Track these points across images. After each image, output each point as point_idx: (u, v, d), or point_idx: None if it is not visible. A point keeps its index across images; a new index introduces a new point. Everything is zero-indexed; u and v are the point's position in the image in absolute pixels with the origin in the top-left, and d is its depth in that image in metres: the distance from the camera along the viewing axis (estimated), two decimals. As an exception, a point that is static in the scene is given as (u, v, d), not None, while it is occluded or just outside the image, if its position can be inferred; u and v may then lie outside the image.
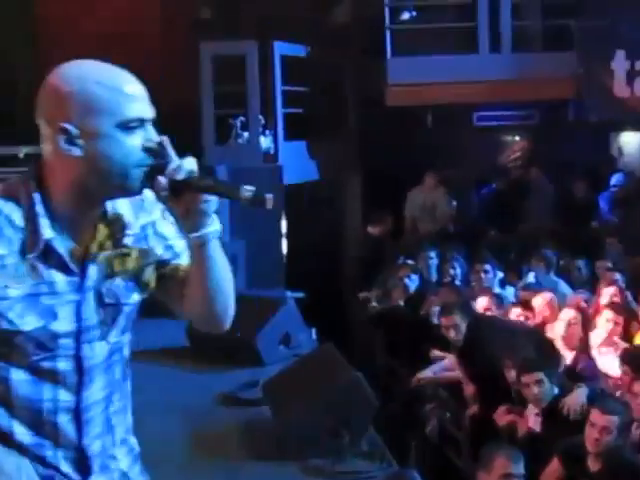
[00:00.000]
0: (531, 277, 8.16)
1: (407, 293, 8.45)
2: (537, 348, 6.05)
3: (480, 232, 10.64)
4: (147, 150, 1.96)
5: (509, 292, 7.94)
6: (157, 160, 1.97)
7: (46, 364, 1.99)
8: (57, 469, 2.03)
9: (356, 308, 9.50)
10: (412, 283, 8.40)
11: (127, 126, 1.94)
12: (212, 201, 1.97)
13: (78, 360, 2.02)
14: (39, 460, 2.01)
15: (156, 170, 1.96)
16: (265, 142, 9.69)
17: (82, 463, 2.06)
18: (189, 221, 1.99)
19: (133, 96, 1.97)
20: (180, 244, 2.13)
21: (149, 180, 1.97)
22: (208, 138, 9.51)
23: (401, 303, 8.51)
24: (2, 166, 9.24)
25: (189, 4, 11.23)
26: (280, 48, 9.77)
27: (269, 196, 1.95)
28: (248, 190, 1.94)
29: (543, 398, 5.35)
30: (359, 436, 4.87)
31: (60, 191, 1.98)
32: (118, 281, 2.05)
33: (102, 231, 2.03)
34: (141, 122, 1.97)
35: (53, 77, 1.99)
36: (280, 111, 9.72)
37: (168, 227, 2.14)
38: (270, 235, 9.30)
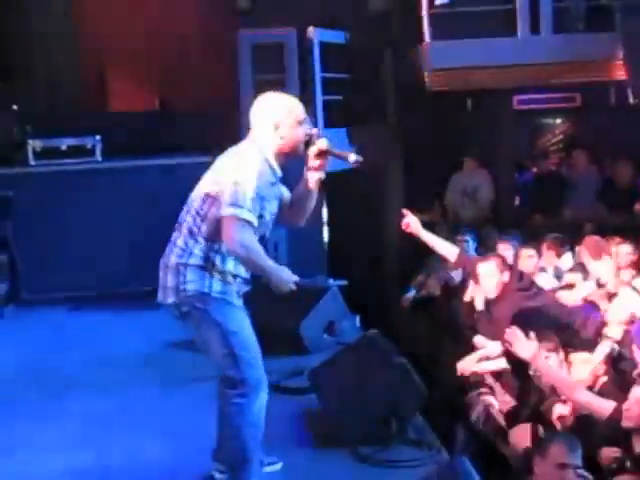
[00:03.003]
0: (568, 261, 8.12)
1: (450, 283, 8.42)
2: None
3: (521, 217, 10.57)
4: (307, 134, 3.99)
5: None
6: (310, 139, 3.98)
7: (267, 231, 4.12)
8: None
9: (398, 295, 9.46)
10: (457, 276, 8.34)
11: (300, 122, 3.99)
12: (329, 161, 4.02)
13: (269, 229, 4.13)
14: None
15: (309, 143, 3.98)
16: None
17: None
18: (317, 169, 4.03)
19: (302, 107, 4.04)
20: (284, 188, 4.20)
21: (305, 149, 3.99)
22: (247, 126, 9.49)
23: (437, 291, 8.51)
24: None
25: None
26: (319, 35, 9.71)
27: (354, 157, 3.98)
28: (353, 157, 3.97)
29: None
30: (407, 423, 4.86)
31: (271, 154, 3.99)
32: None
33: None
34: (304, 120, 4.01)
35: (262, 102, 4.07)
36: (320, 98, 9.67)
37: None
38: (311, 222, 9.22)
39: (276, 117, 3.97)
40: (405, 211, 6.67)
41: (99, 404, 5.62)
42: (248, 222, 3.84)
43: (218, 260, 3.96)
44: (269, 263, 3.92)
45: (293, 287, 3.97)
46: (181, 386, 5.84)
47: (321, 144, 4.00)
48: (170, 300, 3.99)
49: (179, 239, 4.02)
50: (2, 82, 10.67)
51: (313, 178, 4.05)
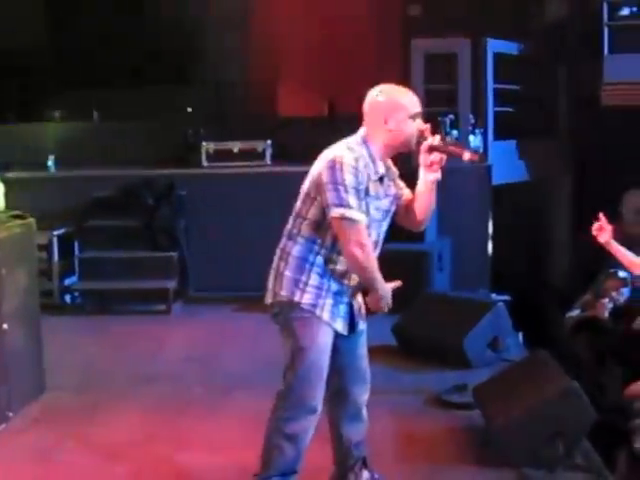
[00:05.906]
0: None
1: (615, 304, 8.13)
2: None
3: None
4: (419, 129, 3.76)
5: None
6: (422, 134, 3.75)
7: (374, 232, 3.84)
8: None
9: (562, 313, 9.24)
10: (621, 297, 8.05)
11: (412, 117, 3.76)
12: (443, 159, 3.76)
13: (380, 229, 3.91)
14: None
15: (422, 139, 3.76)
16: (474, 141, 9.55)
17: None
18: (431, 168, 3.79)
19: (416, 101, 3.81)
20: (403, 185, 3.98)
21: (418, 144, 3.77)
22: (417, 135, 9.45)
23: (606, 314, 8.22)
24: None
25: (398, 2, 11.26)
26: (492, 45, 9.59)
27: (468, 156, 3.71)
28: (468, 155, 3.71)
29: None
30: (574, 447, 4.72)
31: (378, 148, 3.79)
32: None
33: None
34: (418, 115, 3.79)
35: (375, 96, 3.81)
36: (491, 110, 9.55)
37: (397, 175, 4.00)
38: (477, 235, 9.17)
39: (387, 110, 3.75)
40: (601, 216, 6.43)
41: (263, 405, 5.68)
42: (358, 221, 3.66)
43: (316, 266, 3.80)
44: (379, 273, 3.76)
45: (387, 309, 3.83)
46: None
47: (433, 140, 3.74)
48: (268, 301, 3.91)
49: (281, 243, 3.91)
50: (177, 85, 11.02)
51: (428, 177, 3.80)
